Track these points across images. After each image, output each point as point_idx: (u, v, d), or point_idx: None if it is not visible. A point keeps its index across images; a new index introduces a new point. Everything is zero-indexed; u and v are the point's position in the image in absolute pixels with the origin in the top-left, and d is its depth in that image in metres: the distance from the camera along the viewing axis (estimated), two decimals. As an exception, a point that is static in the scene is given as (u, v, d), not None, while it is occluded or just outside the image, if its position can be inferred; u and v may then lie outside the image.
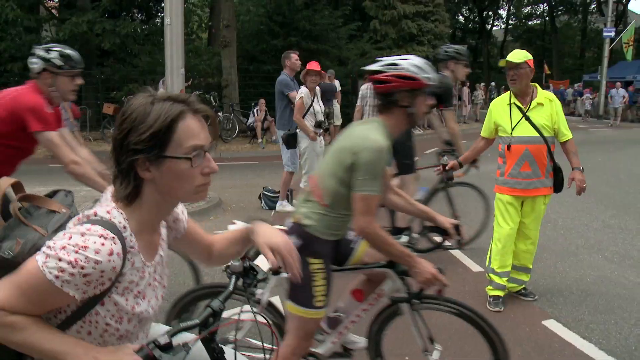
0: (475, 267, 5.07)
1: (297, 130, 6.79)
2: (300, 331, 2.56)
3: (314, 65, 6.62)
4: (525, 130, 4.04)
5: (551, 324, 3.93)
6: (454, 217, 5.08)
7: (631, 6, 69.32)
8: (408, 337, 2.91)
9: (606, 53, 26.25)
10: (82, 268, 1.26)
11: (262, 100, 14.90)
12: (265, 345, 2.70)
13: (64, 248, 1.26)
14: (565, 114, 4.23)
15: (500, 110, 4.19)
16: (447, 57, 5.38)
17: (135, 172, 1.36)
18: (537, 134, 4.01)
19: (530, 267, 4.37)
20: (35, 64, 3.18)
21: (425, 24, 21.17)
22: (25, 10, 16.66)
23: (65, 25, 15.90)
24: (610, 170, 10.92)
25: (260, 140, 14.78)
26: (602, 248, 5.81)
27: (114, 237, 1.31)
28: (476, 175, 5.36)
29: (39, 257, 1.28)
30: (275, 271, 2.71)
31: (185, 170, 1.37)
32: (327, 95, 11.42)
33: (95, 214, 1.36)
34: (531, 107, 4.06)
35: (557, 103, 4.14)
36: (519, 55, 4.03)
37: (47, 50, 3.19)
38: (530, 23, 50.11)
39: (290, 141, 6.88)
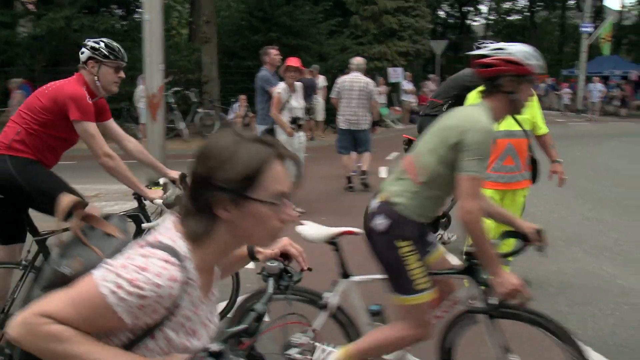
0: (455, 261, 5.09)
1: (275, 126, 6.76)
2: (410, 320, 2.46)
3: (293, 61, 6.60)
4: (508, 124, 4.06)
5: (530, 316, 3.97)
6: None
7: (607, 2, 70.32)
8: (481, 346, 2.73)
9: (584, 48, 26.46)
10: (141, 289, 1.20)
11: (243, 97, 14.82)
12: (328, 347, 2.66)
13: (124, 267, 1.23)
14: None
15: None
16: None
17: (211, 211, 1.33)
18: (520, 128, 4.04)
19: (510, 259, 4.41)
20: (83, 53, 3.32)
21: (406, 20, 21.23)
22: (0, 5, 16.36)
23: (42, 21, 15.62)
24: (589, 165, 11.07)
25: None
26: (580, 241, 5.90)
27: (177, 264, 1.26)
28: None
29: (96, 272, 1.24)
30: (345, 274, 2.68)
31: (265, 214, 1.34)
32: (307, 91, 11.42)
33: (159, 241, 1.32)
34: (511, 101, 4.09)
35: (534, 97, 4.17)
36: None
37: (97, 42, 3.36)
38: (510, 18, 50.41)
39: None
